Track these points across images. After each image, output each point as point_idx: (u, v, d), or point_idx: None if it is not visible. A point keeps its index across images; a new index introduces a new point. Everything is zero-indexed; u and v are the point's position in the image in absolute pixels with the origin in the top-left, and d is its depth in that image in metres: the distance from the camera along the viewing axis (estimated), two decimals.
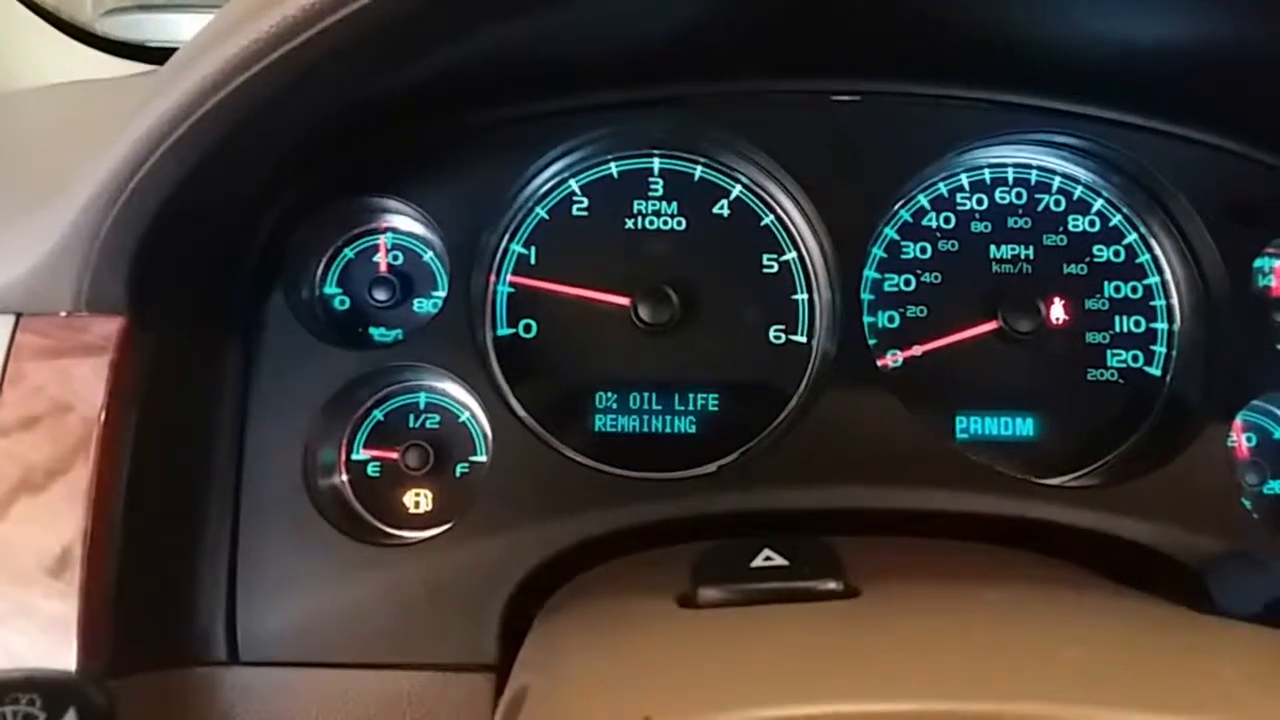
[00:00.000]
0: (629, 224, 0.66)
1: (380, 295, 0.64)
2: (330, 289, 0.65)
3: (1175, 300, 0.66)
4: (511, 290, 0.65)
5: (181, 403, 0.54)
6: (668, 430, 0.65)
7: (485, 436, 0.62)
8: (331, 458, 0.62)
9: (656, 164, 0.66)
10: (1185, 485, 0.60)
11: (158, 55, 0.83)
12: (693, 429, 0.65)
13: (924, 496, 0.59)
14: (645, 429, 0.65)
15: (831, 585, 0.39)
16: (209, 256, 0.55)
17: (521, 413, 0.62)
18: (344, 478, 0.62)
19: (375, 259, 0.66)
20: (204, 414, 0.56)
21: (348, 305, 0.65)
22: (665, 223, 0.66)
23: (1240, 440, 0.66)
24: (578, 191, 0.65)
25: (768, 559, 0.40)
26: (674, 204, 0.66)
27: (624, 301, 0.64)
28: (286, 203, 0.60)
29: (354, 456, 0.63)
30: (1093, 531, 0.59)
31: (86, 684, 0.32)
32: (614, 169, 0.66)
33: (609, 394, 0.65)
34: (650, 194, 0.66)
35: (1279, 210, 0.64)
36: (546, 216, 0.66)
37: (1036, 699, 0.28)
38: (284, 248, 0.61)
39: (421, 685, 0.54)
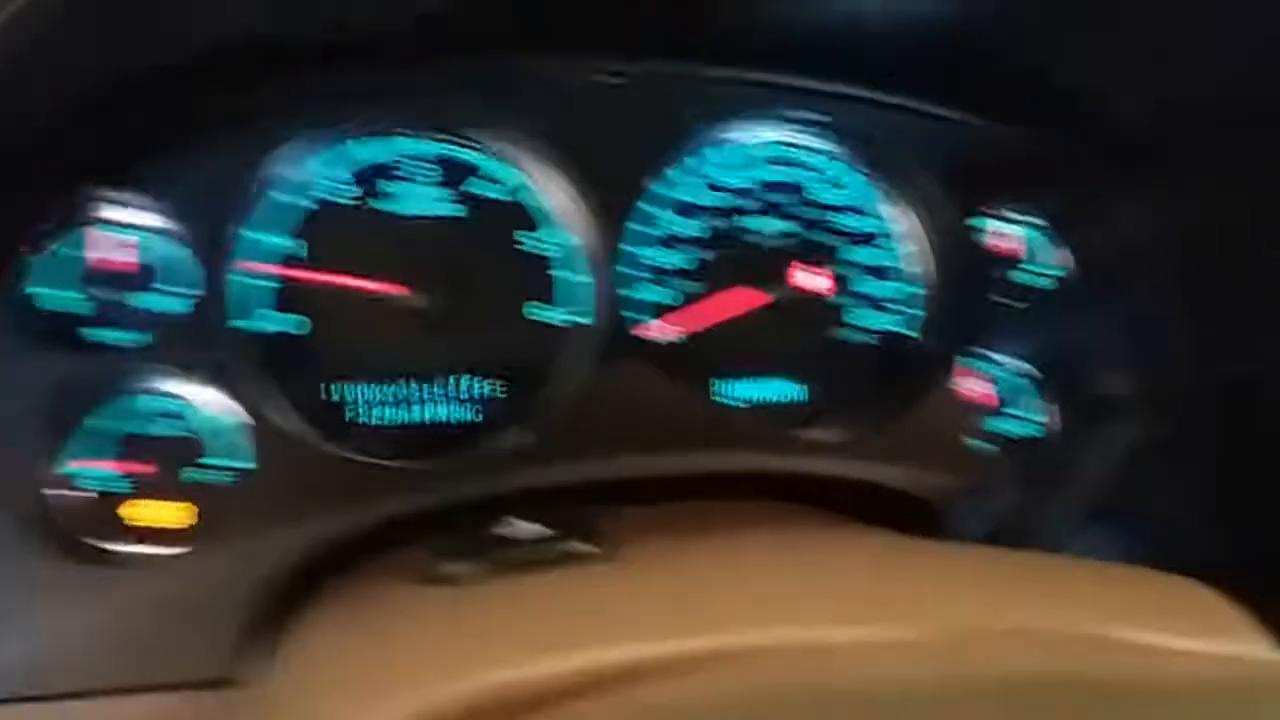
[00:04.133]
0: (398, 211, 0.63)
1: (105, 294, 0.58)
2: (39, 288, 0.58)
3: (920, 264, 0.71)
4: (278, 285, 0.61)
5: None
6: (444, 419, 0.64)
7: (246, 441, 0.58)
8: (49, 474, 0.56)
9: (424, 148, 0.64)
10: (927, 431, 0.64)
11: None
12: (469, 415, 0.64)
13: (692, 460, 0.61)
14: (421, 419, 0.63)
15: (585, 548, 0.39)
16: None
17: (289, 414, 0.59)
18: (62, 494, 0.56)
19: (97, 254, 0.59)
20: None
21: (65, 305, 0.58)
22: (431, 207, 0.64)
23: (979, 387, 0.71)
24: (342, 179, 0.62)
25: (523, 530, 0.40)
26: (444, 189, 0.64)
27: (399, 290, 0.62)
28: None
29: (72, 471, 0.57)
30: (847, 480, 0.62)
31: None
32: (381, 154, 0.63)
33: (380, 386, 0.63)
34: (419, 179, 0.64)
35: (994, 173, 0.69)
36: (313, 206, 0.62)
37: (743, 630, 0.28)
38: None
39: (156, 708, 0.50)
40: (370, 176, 0.63)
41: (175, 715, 0.49)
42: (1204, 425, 0.57)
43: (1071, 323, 0.70)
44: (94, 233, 0.59)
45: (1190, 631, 0.33)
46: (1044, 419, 0.71)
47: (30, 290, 0.57)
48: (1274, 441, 0.60)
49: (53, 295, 0.58)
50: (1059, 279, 0.72)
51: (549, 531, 0.39)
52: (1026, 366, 0.71)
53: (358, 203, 0.62)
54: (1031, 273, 0.72)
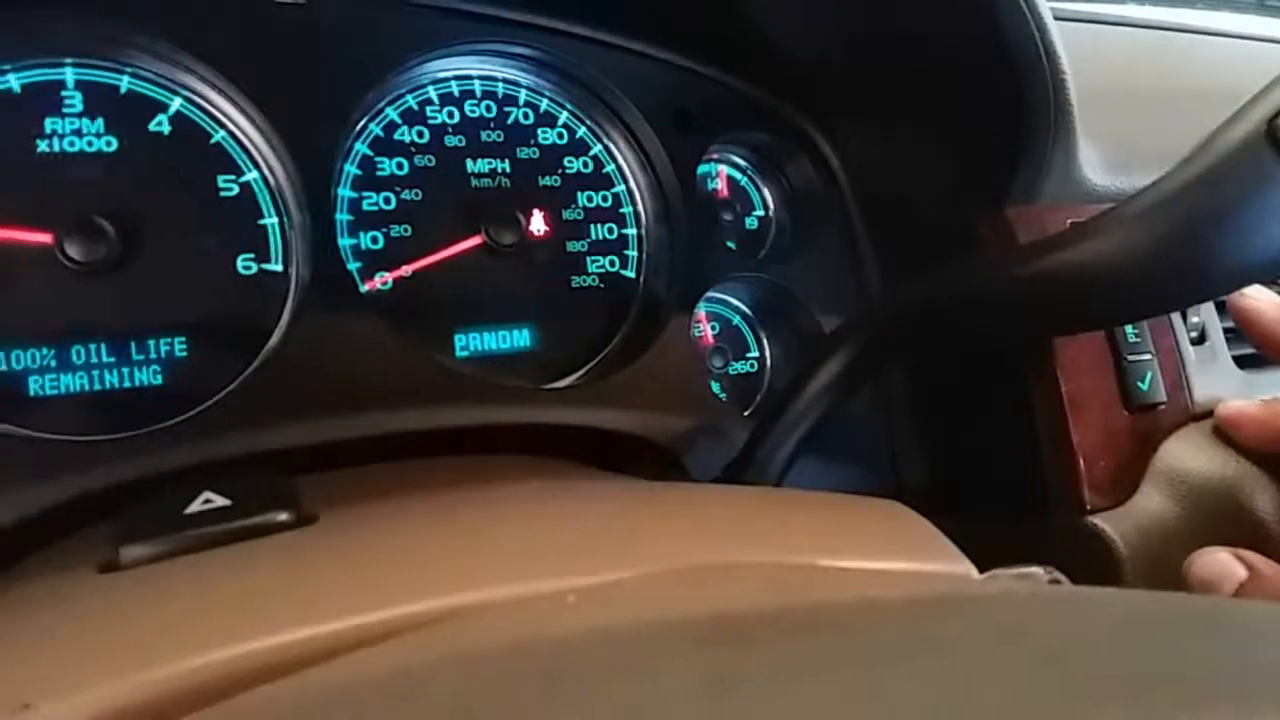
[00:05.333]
0: (42, 146, 0.55)
1: None
2: None
3: (640, 207, 0.71)
4: None
5: None
6: (127, 384, 0.56)
7: None
8: None
9: (70, 75, 0.56)
10: (658, 375, 0.65)
11: None
12: (158, 379, 0.57)
13: (420, 416, 0.58)
14: (98, 386, 0.56)
15: (281, 517, 0.36)
16: None
17: None
18: None
19: None
20: None
21: None
22: (90, 144, 0.56)
23: (706, 329, 0.73)
24: None
25: (207, 502, 0.36)
26: (98, 121, 0.56)
27: (45, 239, 0.54)
28: None
29: None
30: (584, 428, 0.62)
31: None
32: (13, 81, 0.54)
33: (42, 350, 0.54)
34: (66, 110, 0.55)
35: (715, 119, 0.71)
36: None
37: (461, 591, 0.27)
38: None
39: None
40: (5, 108, 0.54)
41: None
42: (900, 354, 0.62)
43: (780, 262, 0.73)
44: None
45: (891, 553, 0.35)
46: (758, 356, 0.74)
47: None
48: (959, 366, 0.66)
49: None
50: (765, 219, 0.75)
51: (242, 502, 0.35)
52: (743, 306, 0.74)
53: None
54: (743, 214, 0.75)
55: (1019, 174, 0.59)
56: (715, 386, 0.72)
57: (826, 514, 0.40)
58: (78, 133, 0.56)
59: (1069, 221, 0.56)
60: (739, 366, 0.74)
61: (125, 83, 0.57)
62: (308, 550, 0.33)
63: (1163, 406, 0.59)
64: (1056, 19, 0.54)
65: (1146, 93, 0.76)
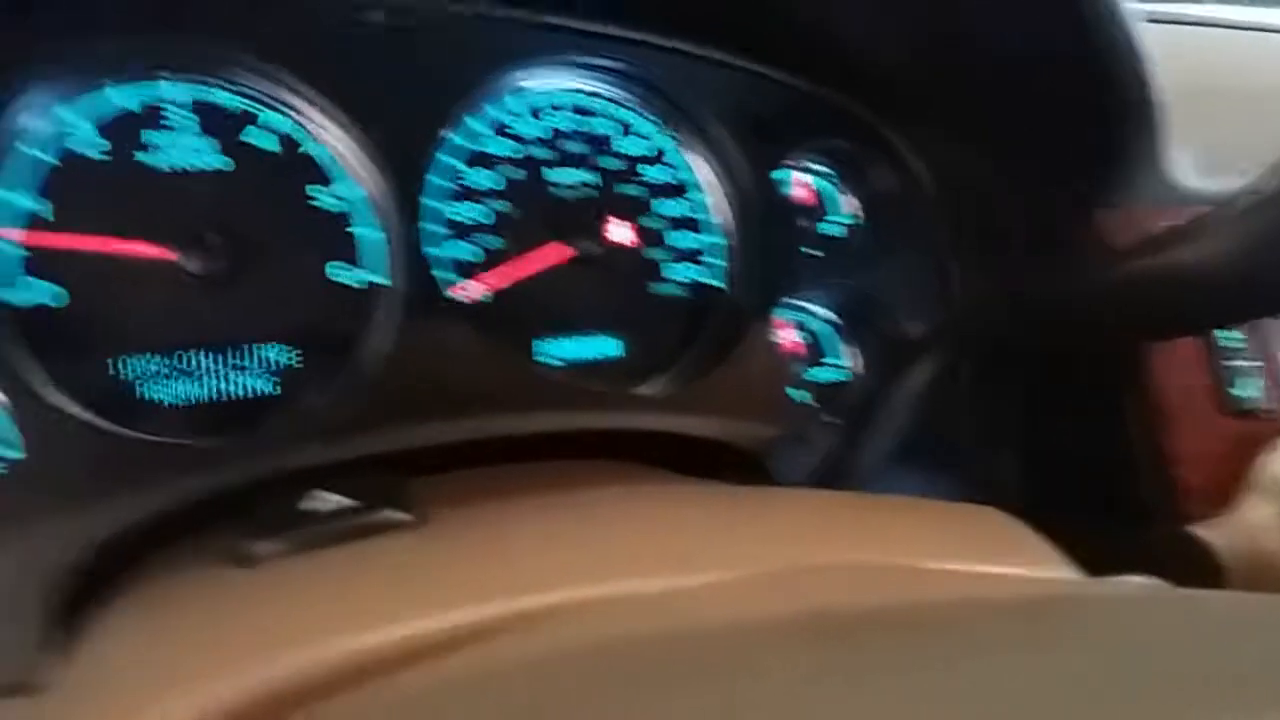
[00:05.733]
0: (159, 165, 0.58)
1: None
2: None
3: (718, 214, 0.72)
4: (24, 252, 0.55)
5: None
6: (240, 392, 0.59)
7: (12, 428, 0.52)
8: None
9: (183, 94, 0.59)
10: (739, 381, 0.66)
11: None
12: (269, 386, 0.60)
13: (510, 422, 0.60)
14: (214, 394, 0.59)
15: (398, 516, 0.37)
16: None
17: (53, 392, 0.54)
18: None
19: None
20: None
21: None
22: (203, 161, 0.59)
23: (789, 335, 0.74)
24: (90, 130, 0.56)
25: (328, 501, 0.38)
26: (210, 139, 0.59)
27: (166, 254, 0.57)
28: None
29: None
30: (669, 434, 0.63)
31: None
32: (132, 102, 0.58)
33: (162, 359, 0.58)
34: (181, 129, 0.59)
35: (795, 126, 0.72)
36: (56, 161, 0.56)
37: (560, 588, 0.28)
38: None
39: None
40: (123, 127, 0.57)
41: None
42: (991, 360, 0.62)
43: (865, 269, 0.73)
44: None
45: (991, 557, 0.36)
46: (849, 364, 0.74)
47: None
48: (1051, 372, 0.66)
49: None
50: (851, 227, 0.76)
51: (356, 502, 0.37)
52: (829, 313, 0.74)
53: (108, 157, 0.57)
54: (827, 221, 0.75)
55: (1110, 177, 0.58)
56: (799, 392, 0.72)
57: (924, 519, 0.40)
58: (192, 150, 0.59)
59: (1162, 224, 0.56)
60: (823, 373, 0.74)
61: (234, 102, 0.60)
62: (426, 548, 0.35)
63: (1265, 412, 0.58)
64: (1143, 20, 0.54)
65: (1235, 94, 0.74)
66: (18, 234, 0.54)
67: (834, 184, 0.76)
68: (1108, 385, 0.59)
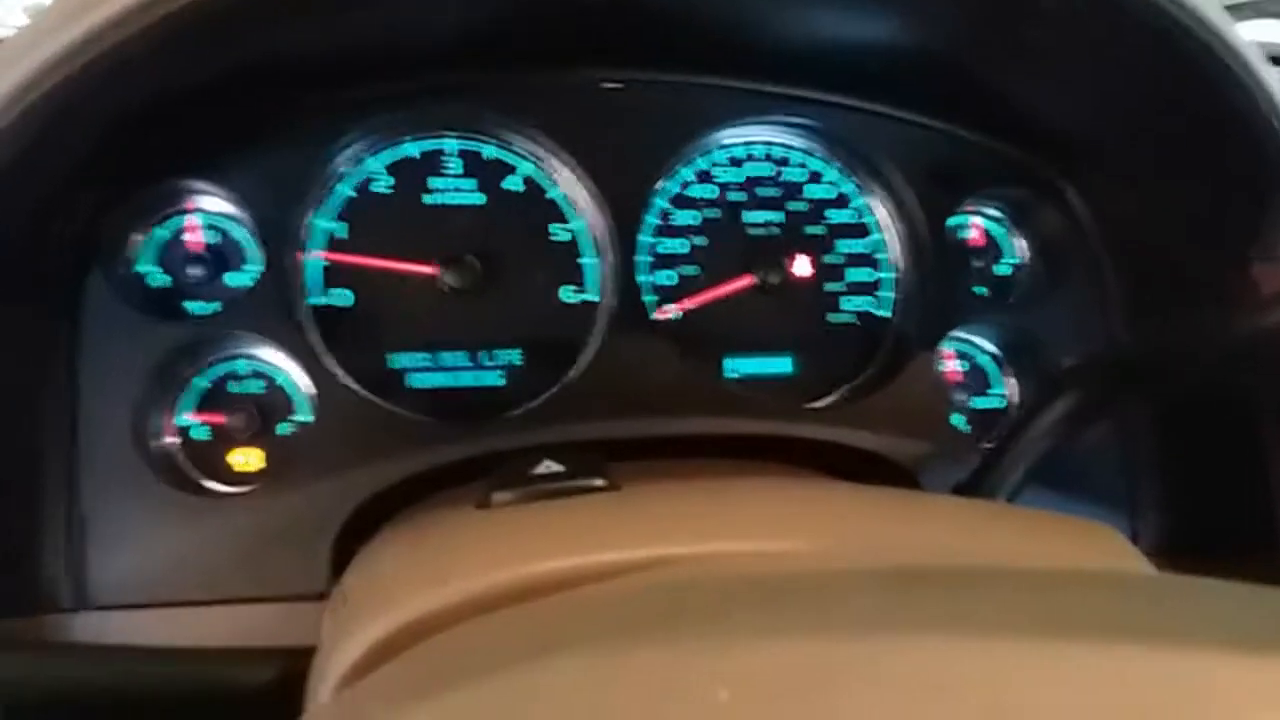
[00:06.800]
0: (430, 199, 0.73)
1: (194, 271, 0.69)
2: (145, 267, 0.69)
3: (894, 253, 0.80)
4: (325, 263, 0.71)
5: (13, 375, 0.58)
6: (477, 384, 0.73)
7: (308, 397, 0.68)
8: (159, 423, 0.67)
9: (452, 144, 0.74)
10: (903, 403, 0.73)
11: None
12: (500, 381, 0.73)
13: (696, 424, 0.70)
14: (457, 384, 0.73)
15: (598, 482, 0.49)
16: (29, 240, 0.59)
17: (340, 374, 0.69)
18: (172, 441, 0.67)
19: (188, 237, 0.70)
20: (36, 384, 0.60)
21: (164, 281, 0.69)
22: (464, 198, 0.73)
23: (953, 366, 0.81)
24: (380, 171, 0.72)
25: (547, 467, 0.50)
26: (471, 180, 0.74)
27: (430, 270, 0.71)
28: (99, 188, 0.64)
29: (179, 421, 0.68)
30: (832, 443, 0.71)
31: None
32: (412, 149, 0.73)
33: (421, 354, 0.72)
34: (448, 171, 0.73)
35: (971, 176, 0.78)
36: (353, 194, 0.72)
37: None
38: (99, 231, 0.65)
39: (262, 616, 0.60)
40: (407, 168, 0.73)
41: (277, 623, 0.59)
42: (1137, 397, 0.67)
43: (1029, 307, 0.79)
44: (188, 219, 0.70)
45: (1077, 557, 0.43)
46: (1006, 393, 0.80)
47: (139, 269, 0.69)
48: (1201, 409, 0.69)
49: (155, 273, 0.69)
50: (1018, 266, 0.81)
51: (572, 469, 0.50)
52: (991, 346, 0.80)
53: (392, 191, 0.72)
54: (994, 261, 0.81)
55: (1263, 229, 0.62)
56: (959, 419, 0.79)
57: (1030, 523, 0.47)
58: (455, 189, 0.73)
59: None
60: (983, 402, 0.80)
61: (491, 150, 0.74)
62: (615, 506, 0.46)
63: None
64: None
65: None
66: (323, 252, 0.71)
67: (1004, 227, 0.82)
68: (1253, 422, 0.63)
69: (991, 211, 0.82)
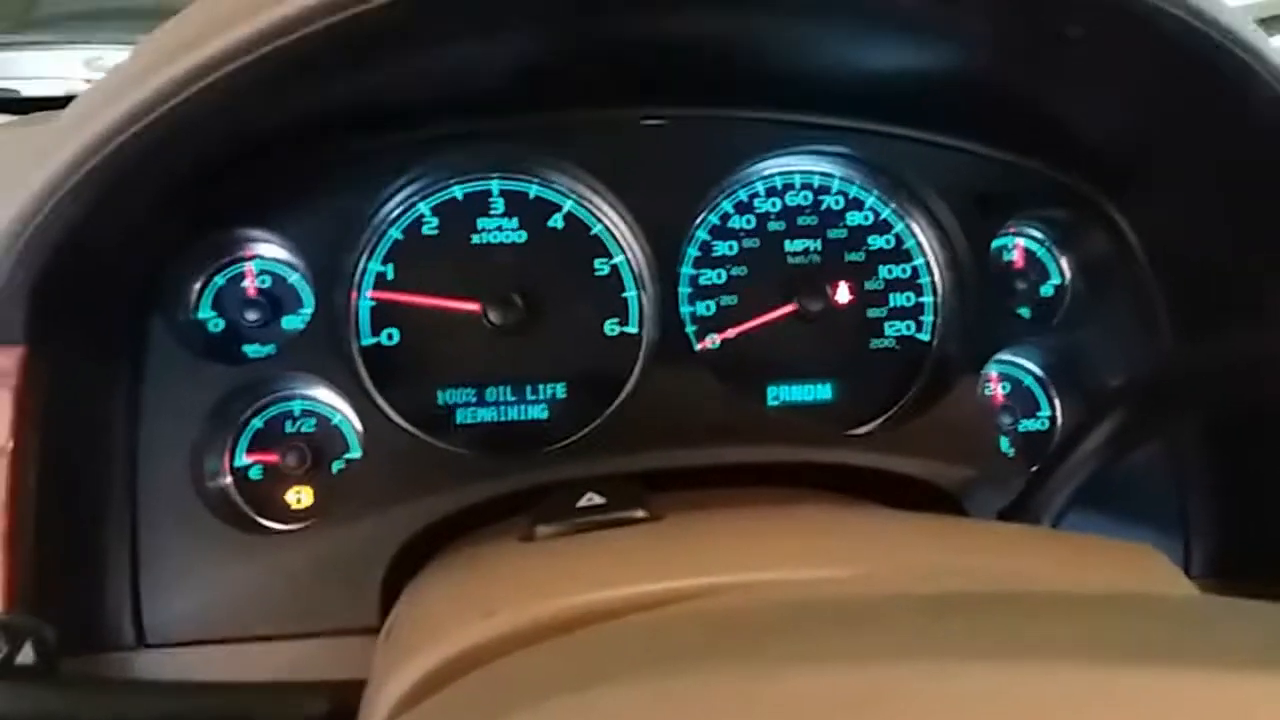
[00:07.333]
0: (475, 239, 0.75)
1: (251, 316, 0.72)
2: (205, 313, 0.72)
3: (936, 278, 0.80)
4: (373, 304, 0.73)
5: (78, 419, 0.61)
6: (523, 418, 0.74)
7: (358, 434, 0.70)
8: (217, 463, 0.69)
9: (496, 185, 0.75)
10: (947, 427, 0.73)
11: None
12: (544, 415, 0.74)
13: (740, 452, 0.70)
14: (502, 418, 0.74)
15: (640, 514, 0.50)
16: (95, 287, 0.61)
17: (389, 411, 0.70)
18: (229, 480, 0.69)
19: (244, 284, 0.73)
20: (99, 428, 0.63)
21: (222, 326, 0.72)
22: (507, 236, 0.75)
23: (997, 389, 0.80)
24: (427, 213, 0.74)
25: (590, 500, 0.50)
26: (514, 219, 0.75)
27: (475, 308, 0.73)
28: (162, 238, 0.67)
29: (237, 462, 0.70)
30: (876, 470, 0.71)
31: (38, 624, 0.39)
32: (458, 191, 0.75)
33: (467, 390, 0.74)
34: (492, 212, 0.75)
35: (1013, 199, 0.78)
36: (401, 236, 0.74)
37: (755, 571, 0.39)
38: (160, 279, 0.68)
39: (314, 650, 0.62)
40: (451, 210, 0.74)
41: (329, 657, 0.60)
42: (1183, 416, 0.66)
43: (1074, 328, 0.78)
44: (245, 265, 0.73)
45: (1120, 580, 0.42)
46: (1050, 414, 0.79)
47: (201, 315, 0.71)
48: (1253, 427, 0.68)
49: (214, 319, 0.72)
50: (1061, 287, 0.81)
51: (613, 501, 0.50)
52: (1034, 368, 0.80)
53: (436, 232, 0.74)
54: (1038, 282, 0.81)
55: None
56: (1004, 442, 0.78)
57: (1072, 547, 0.47)
58: (499, 228, 0.75)
59: None
60: (1030, 424, 0.80)
61: (534, 190, 0.76)
62: (656, 537, 0.47)
63: None
64: None
65: None
66: (370, 294, 0.73)
67: (1046, 247, 0.81)
68: None
69: (1033, 232, 0.81)
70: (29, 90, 1.28)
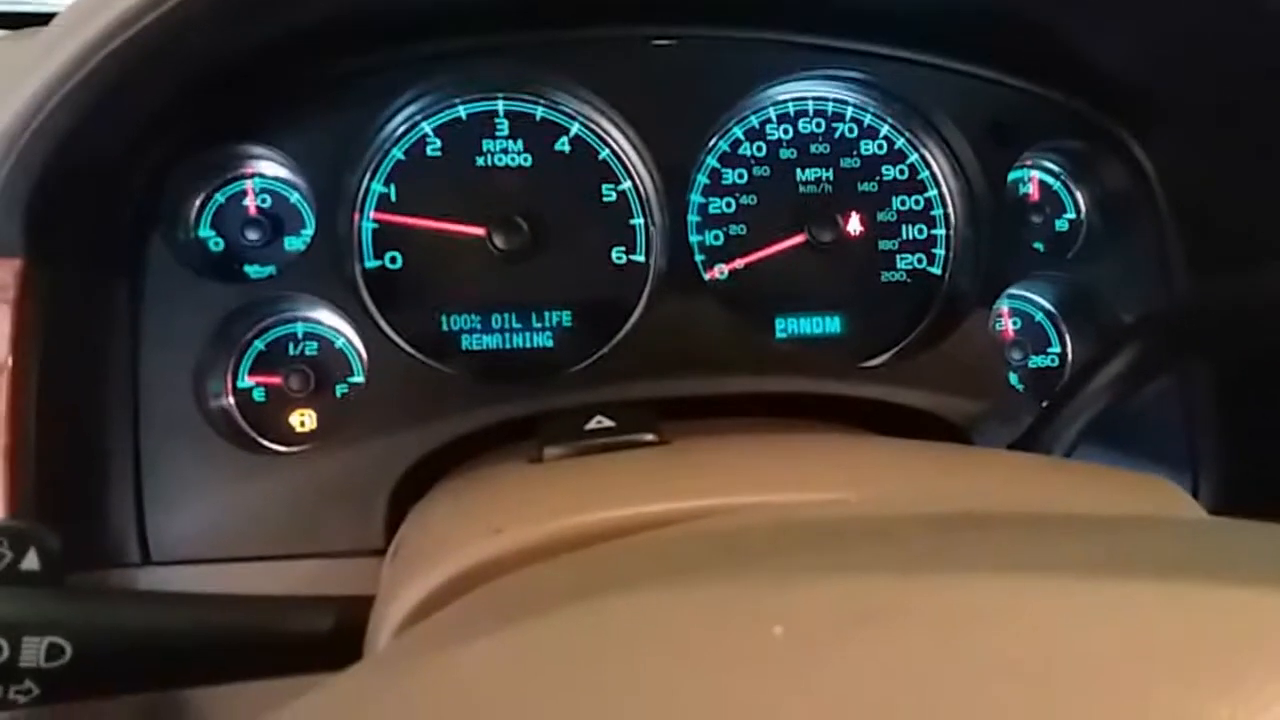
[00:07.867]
0: (479, 161, 0.73)
1: (252, 235, 0.70)
2: (205, 232, 0.71)
3: (950, 209, 0.78)
4: (376, 226, 0.72)
5: (78, 336, 0.60)
6: (527, 345, 0.73)
7: (361, 358, 0.69)
8: (219, 384, 0.68)
9: (501, 106, 0.74)
10: (957, 361, 0.72)
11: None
12: (549, 343, 0.74)
13: (747, 383, 0.70)
14: (507, 345, 0.73)
15: (648, 437, 0.49)
16: (93, 202, 0.60)
17: (393, 335, 0.69)
18: (231, 401, 0.69)
19: (245, 202, 0.71)
20: (99, 346, 0.62)
21: (222, 246, 0.71)
22: (513, 159, 0.74)
23: (1008, 324, 0.79)
24: (430, 133, 0.72)
25: (599, 422, 0.50)
26: (519, 142, 0.74)
27: (479, 232, 0.72)
28: (160, 153, 0.65)
29: (240, 384, 0.69)
30: (885, 403, 0.71)
31: (43, 531, 0.39)
32: (462, 111, 0.73)
33: (472, 315, 0.73)
34: (497, 133, 0.73)
35: (1030, 129, 0.76)
36: (403, 157, 0.72)
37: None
38: (160, 195, 0.67)
39: (319, 571, 0.62)
40: (455, 131, 0.73)
41: (335, 578, 0.61)
42: (1197, 353, 0.65)
43: (1088, 262, 0.77)
44: (245, 184, 0.71)
45: (1131, 506, 0.42)
46: (1060, 351, 0.79)
47: (199, 234, 0.70)
48: (1263, 365, 0.67)
49: (214, 237, 0.70)
50: (1076, 222, 0.79)
51: (622, 424, 0.50)
52: (1046, 303, 0.79)
53: (440, 154, 0.72)
54: (1053, 216, 0.79)
55: None
56: (1014, 377, 0.78)
57: (1083, 476, 0.46)
58: (504, 151, 0.73)
59: None
60: (1039, 360, 0.79)
61: (540, 111, 0.74)
62: (665, 460, 0.46)
63: None
64: None
65: None
66: (375, 215, 0.71)
67: (1063, 182, 0.80)
68: None
69: (1050, 165, 0.80)
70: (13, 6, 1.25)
